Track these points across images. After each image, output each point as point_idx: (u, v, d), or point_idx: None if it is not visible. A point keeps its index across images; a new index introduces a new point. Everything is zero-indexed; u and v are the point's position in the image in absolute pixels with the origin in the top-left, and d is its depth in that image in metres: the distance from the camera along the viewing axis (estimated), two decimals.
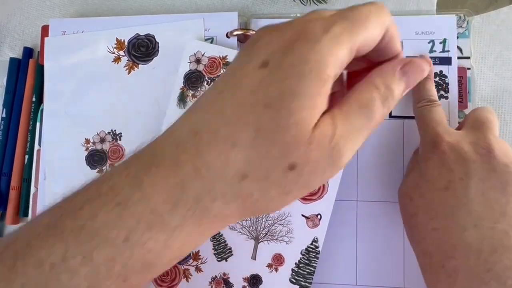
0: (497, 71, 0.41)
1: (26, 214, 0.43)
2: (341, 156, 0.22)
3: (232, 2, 0.45)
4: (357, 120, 0.22)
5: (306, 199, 0.37)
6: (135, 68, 0.43)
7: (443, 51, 0.40)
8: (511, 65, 0.41)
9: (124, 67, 0.43)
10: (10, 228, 0.44)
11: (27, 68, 0.45)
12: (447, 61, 0.40)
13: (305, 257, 0.37)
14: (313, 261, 0.36)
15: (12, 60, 0.46)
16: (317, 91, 0.21)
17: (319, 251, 0.37)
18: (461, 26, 0.40)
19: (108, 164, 0.42)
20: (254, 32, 0.40)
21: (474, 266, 0.27)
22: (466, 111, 0.39)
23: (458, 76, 0.39)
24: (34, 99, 0.44)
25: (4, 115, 0.45)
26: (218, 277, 0.38)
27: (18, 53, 0.47)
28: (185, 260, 0.39)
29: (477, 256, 0.27)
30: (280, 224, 0.37)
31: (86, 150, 0.42)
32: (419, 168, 0.33)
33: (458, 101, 0.39)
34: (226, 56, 0.40)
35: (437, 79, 0.39)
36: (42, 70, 0.44)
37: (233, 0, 0.45)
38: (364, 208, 0.39)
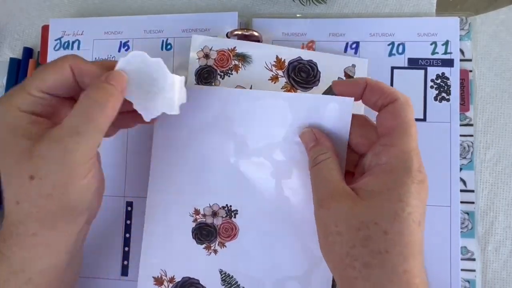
0: (496, 71, 0.41)
1: None
2: None
3: (232, 2, 0.45)
4: None
5: None
6: None
7: (446, 53, 0.40)
8: (510, 65, 0.41)
9: None
10: None
11: (27, 68, 0.45)
12: (449, 63, 0.40)
13: None
14: None
15: (12, 60, 0.45)
16: None
17: None
18: (463, 29, 0.40)
19: (217, 242, 0.37)
20: (253, 32, 0.40)
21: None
22: (468, 114, 0.40)
23: (460, 79, 0.39)
24: None
25: None
26: None
27: (18, 53, 0.47)
28: None
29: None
30: None
31: (194, 221, 0.37)
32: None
33: (460, 104, 0.39)
34: (235, 47, 0.39)
35: (438, 81, 0.40)
36: None
37: (233, 0, 0.45)
38: None
